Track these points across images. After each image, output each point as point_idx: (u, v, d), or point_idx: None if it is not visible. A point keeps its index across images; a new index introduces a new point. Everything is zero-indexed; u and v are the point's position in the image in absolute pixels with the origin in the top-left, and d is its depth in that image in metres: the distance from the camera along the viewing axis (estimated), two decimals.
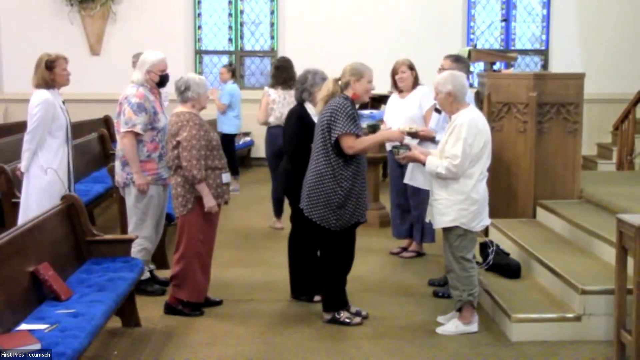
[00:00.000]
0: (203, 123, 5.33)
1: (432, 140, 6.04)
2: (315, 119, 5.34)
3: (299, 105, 5.74)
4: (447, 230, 5.04)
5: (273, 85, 7.78)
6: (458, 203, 4.94)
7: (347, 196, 4.99)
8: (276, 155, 7.32)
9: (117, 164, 5.83)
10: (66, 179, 5.78)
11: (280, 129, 7.04)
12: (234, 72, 10.58)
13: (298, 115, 5.64)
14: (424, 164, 5.08)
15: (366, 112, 7.71)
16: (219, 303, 5.62)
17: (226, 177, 5.39)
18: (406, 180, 6.45)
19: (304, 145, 5.33)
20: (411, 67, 6.63)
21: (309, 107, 5.63)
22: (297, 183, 5.24)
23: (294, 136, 5.58)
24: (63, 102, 5.87)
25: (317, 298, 5.55)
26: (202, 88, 5.37)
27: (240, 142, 11.37)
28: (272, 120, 7.69)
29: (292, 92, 6.96)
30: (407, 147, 5.20)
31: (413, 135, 5.95)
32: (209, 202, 5.25)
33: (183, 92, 5.34)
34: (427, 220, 5.37)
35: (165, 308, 5.43)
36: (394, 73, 6.70)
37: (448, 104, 5.02)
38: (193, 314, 5.37)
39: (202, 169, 5.19)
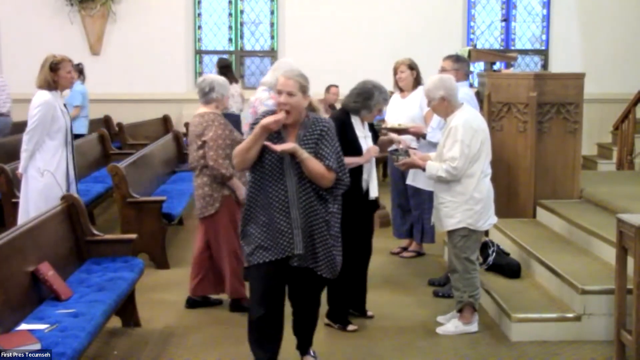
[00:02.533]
0: (227, 123, 5.39)
1: (423, 137, 6.06)
2: (360, 132, 5.08)
3: (345, 113, 5.16)
4: (451, 231, 5.04)
5: None
6: (462, 204, 4.94)
7: (244, 221, 4.18)
8: None
9: None
10: (64, 182, 5.77)
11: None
12: (82, 71, 10.21)
13: (342, 123, 5.02)
14: (423, 170, 5.08)
15: None
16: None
17: None
18: (409, 182, 6.44)
19: None
20: (411, 67, 6.63)
21: (355, 119, 5.12)
22: None
23: None
24: (65, 105, 5.88)
25: (351, 327, 5.18)
26: (226, 89, 5.43)
27: None
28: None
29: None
30: (406, 153, 5.18)
31: (402, 132, 5.94)
32: (242, 195, 5.24)
33: (207, 93, 5.36)
34: (431, 224, 5.36)
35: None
36: (394, 73, 6.72)
37: (443, 108, 5.01)
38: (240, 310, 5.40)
39: (229, 167, 5.21)
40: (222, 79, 5.49)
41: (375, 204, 5.29)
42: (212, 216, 5.32)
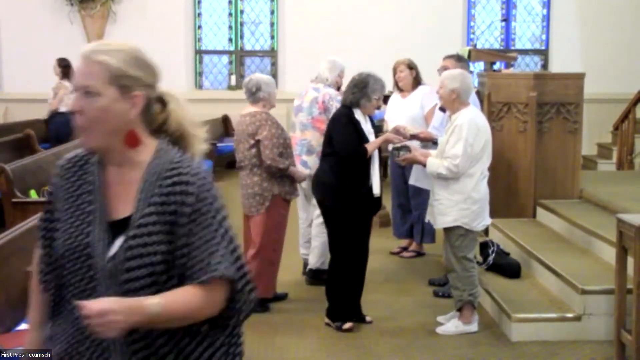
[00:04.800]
0: (278, 122, 5.46)
1: (434, 142, 6.02)
2: (365, 127, 5.11)
3: (347, 108, 5.15)
4: (448, 231, 5.04)
5: (62, 78, 9.97)
6: (459, 203, 4.94)
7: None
8: (68, 135, 9.30)
9: (312, 159, 5.91)
10: None
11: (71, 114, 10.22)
12: None
13: (350, 119, 5.09)
14: (424, 166, 5.08)
15: None
16: (285, 297, 5.73)
17: None
18: (411, 182, 6.43)
19: (357, 151, 5.03)
20: (411, 67, 6.62)
21: (358, 114, 5.12)
22: (337, 194, 5.08)
23: (349, 139, 5.05)
24: None
25: (347, 325, 5.15)
26: (272, 87, 5.50)
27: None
28: (70, 107, 10.36)
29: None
30: (408, 149, 5.18)
31: (411, 137, 5.93)
32: (301, 175, 5.56)
33: (255, 92, 5.43)
34: (426, 221, 5.36)
35: None
36: (394, 73, 6.72)
37: (450, 100, 5.00)
38: (259, 310, 5.28)
39: (284, 161, 5.34)
40: (267, 78, 5.56)
41: (379, 203, 5.29)
42: (261, 215, 5.38)
